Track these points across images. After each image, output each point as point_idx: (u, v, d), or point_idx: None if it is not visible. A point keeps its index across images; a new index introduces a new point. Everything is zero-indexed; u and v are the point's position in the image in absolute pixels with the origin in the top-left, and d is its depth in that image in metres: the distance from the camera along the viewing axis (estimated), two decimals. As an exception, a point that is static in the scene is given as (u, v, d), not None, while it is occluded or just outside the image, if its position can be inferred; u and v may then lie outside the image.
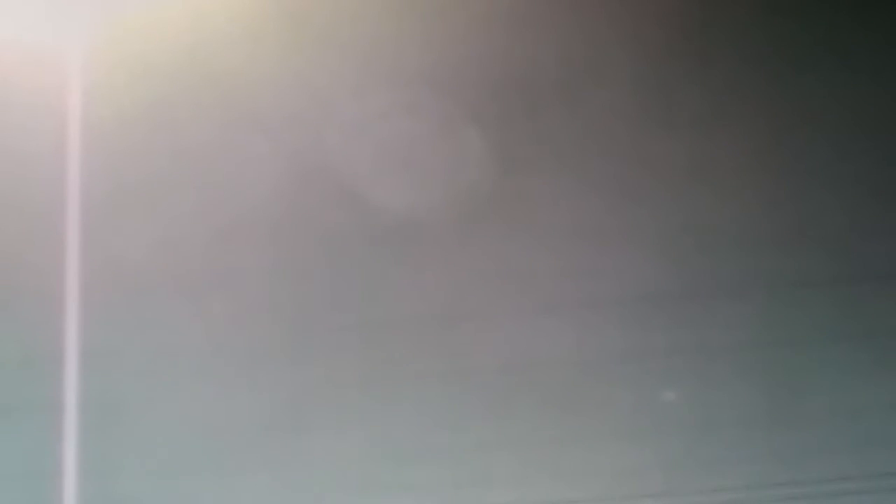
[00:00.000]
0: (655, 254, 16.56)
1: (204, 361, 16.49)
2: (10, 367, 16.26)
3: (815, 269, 16.25)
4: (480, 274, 16.73)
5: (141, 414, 16.35)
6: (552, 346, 16.48)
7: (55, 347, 16.00)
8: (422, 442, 16.29)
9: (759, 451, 16.14)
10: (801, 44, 16.58)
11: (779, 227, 16.47)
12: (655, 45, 16.64)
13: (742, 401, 16.22)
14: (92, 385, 15.95)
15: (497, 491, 16.15)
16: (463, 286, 16.72)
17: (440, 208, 16.56)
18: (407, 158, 16.77)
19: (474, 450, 16.22)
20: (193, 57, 16.75)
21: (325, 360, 16.54)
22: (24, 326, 16.32)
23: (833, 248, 16.31)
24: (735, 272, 16.43)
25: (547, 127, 16.90)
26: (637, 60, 16.68)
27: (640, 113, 16.69)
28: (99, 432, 15.97)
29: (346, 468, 16.30)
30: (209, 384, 16.40)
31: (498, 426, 16.34)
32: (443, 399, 16.31)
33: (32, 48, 16.64)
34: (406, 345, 16.47)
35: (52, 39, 16.67)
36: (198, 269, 16.72)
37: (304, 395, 16.37)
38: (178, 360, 16.48)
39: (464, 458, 16.17)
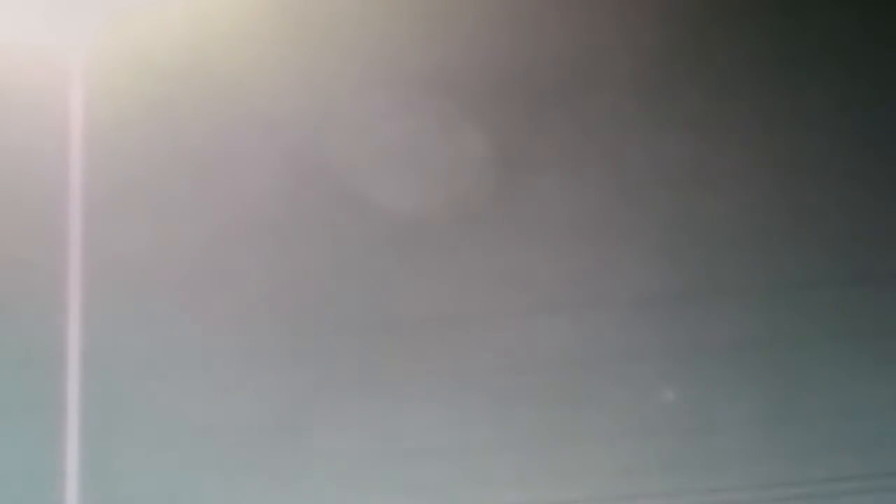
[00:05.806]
0: (655, 254, 16.57)
1: (205, 361, 16.52)
2: (11, 367, 16.30)
3: (815, 269, 16.25)
4: (481, 274, 16.74)
5: (142, 413, 16.38)
6: (552, 347, 16.48)
7: (57, 347, 16.03)
8: (422, 442, 16.30)
9: (759, 451, 16.14)
10: (801, 44, 16.57)
11: (779, 227, 16.48)
12: (655, 45, 16.65)
13: (742, 401, 16.22)
14: (93, 384, 15.98)
15: (497, 491, 16.16)
16: (463, 286, 16.73)
17: (441, 208, 16.58)
18: (407, 158, 16.78)
19: (474, 450, 16.23)
20: (196, 57, 16.79)
21: (325, 359, 16.56)
22: (25, 326, 16.36)
23: (833, 248, 16.31)
24: (735, 272, 16.44)
25: (547, 127, 16.91)
26: (637, 61, 16.68)
27: (641, 113, 16.69)
28: (100, 432, 16.00)
29: (347, 468, 16.32)
30: (210, 384, 16.42)
31: (498, 426, 16.35)
32: (443, 399, 16.32)
33: (35, 48, 16.68)
34: (406, 345, 16.48)
35: (55, 40, 16.71)
36: (199, 269, 16.75)
37: (304, 394, 16.39)
38: (179, 359, 16.51)
39: (464, 458, 16.18)
